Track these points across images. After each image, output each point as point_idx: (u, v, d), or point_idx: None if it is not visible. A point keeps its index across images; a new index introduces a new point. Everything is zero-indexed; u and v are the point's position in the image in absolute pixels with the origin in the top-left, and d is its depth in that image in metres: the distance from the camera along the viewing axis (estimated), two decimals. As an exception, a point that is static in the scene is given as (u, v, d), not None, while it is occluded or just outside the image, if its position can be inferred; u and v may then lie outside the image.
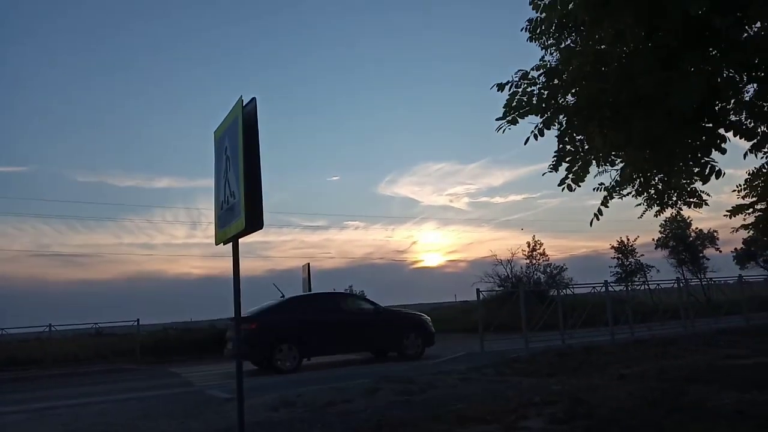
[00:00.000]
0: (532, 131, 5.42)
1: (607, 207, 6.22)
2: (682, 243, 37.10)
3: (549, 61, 6.03)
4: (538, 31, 6.03)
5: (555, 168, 5.95)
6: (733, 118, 5.35)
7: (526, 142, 5.47)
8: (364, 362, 15.83)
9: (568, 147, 5.81)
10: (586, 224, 6.16)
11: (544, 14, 5.74)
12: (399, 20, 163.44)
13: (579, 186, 5.96)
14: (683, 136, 5.34)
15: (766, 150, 6.52)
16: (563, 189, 5.92)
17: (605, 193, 6.22)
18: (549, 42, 6.14)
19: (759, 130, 5.37)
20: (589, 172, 5.99)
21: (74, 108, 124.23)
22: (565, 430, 5.83)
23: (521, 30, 6.16)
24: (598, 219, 6.16)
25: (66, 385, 14.27)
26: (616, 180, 6.22)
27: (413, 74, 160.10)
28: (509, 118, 5.30)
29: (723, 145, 5.44)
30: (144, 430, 7.67)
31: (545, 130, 5.41)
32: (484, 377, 10.47)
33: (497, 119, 5.41)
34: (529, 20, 6.03)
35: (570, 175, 5.85)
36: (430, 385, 9.60)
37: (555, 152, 5.88)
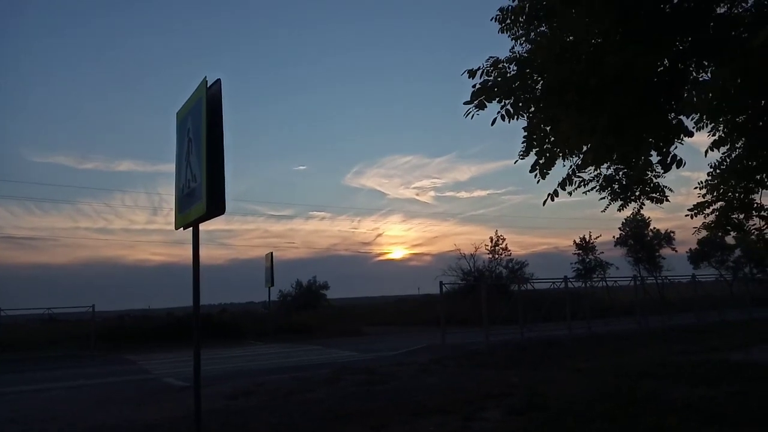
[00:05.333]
0: (499, 111, 5.40)
1: (564, 190, 6.21)
2: (640, 242, 38.17)
3: (519, 51, 6.04)
4: (508, 21, 6.03)
5: (525, 154, 5.95)
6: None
7: (493, 123, 5.46)
8: (327, 348, 15.80)
9: (538, 132, 5.82)
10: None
11: (515, 2, 5.74)
12: (370, 11, 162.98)
13: (548, 173, 5.94)
14: (648, 122, 5.42)
15: (727, 147, 6.71)
16: (536, 176, 5.88)
17: (547, 162, 6.14)
18: (519, 33, 6.14)
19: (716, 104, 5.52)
20: (558, 158, 5.99)
21: (30, 86, 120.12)
22: (522, 421, 5.91)
23: (491, 20, 6.15)
24: (552, 200, 6.16)
25: (16, 371, 13.82)
26: (577, 164, 6.23)
27: (383, 66, 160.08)
28: (476, 102, 5.26)
29: (685, 137, 5.59)
30: (96, 417, 7.46)
31: (512, 112, 5.39)
32: (444, 369, 10.56)
33: (465, 103, 5.36)
34: (500, 9, 6.03)
35: (540, 161, 5.85)
36: (391, 375, 9.63)
37: (524, 137, 5.88)
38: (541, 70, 5.29)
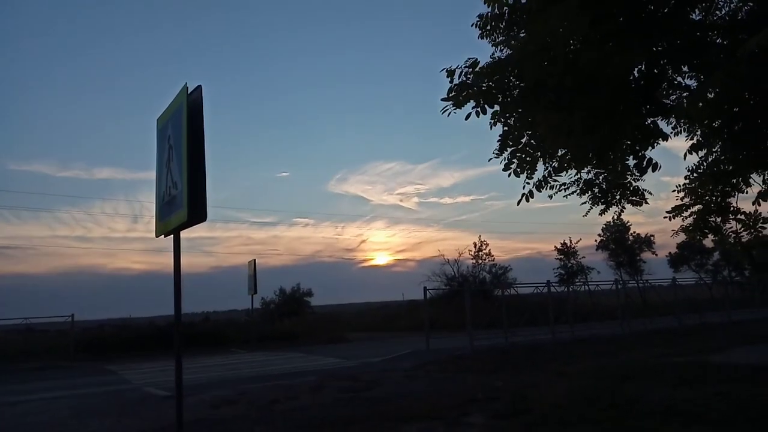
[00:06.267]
0: (474, 107, 5.38)
1: (540, 191, 6.25)
2: (621, 246, 38.57)
3: (499, 57, 6.07)
4: (488, 28, 6.07)
5: (500, 152, 5.97)
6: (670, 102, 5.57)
7: (467, 118, 5.44)
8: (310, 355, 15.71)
9: (514, 132, 5.84)
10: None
11: (495, 9, 5.79)
12: (352, 16, 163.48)
13: (525, 173, 5.97)
14: (623, 124, 5.48)
15: (704, 151, 6.83)
16: (509, 174, 5.89)
17: (529, 166, 6.16)
18: (499, 39, 6.19)
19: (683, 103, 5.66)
20: (534, 158, 6.02)
21: (8, 93, 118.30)
22: (506, 425, 5.92)
23: (471, 26, 6.18)
24: (527, 200, 6.22)
25: (-8, 384, 13.51)
26: (553, 166, 6.27)
27: (365, 72, 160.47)
28: (452, 96, 5.21)
29: (661, 140, 5.68)
30: (76, 429, 7.32)
31: (487, 109, 5.38)
32: (428, 374, 10.55)
33: (442, 99, 5.36)
34: (480, 16, 6.07)
35: (515, 160, 5.87)
36: (376, 382, 9.59)
37: (500, 136, 5.89)
38: (518, 70, 5.31)
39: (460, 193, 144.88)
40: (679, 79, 5.76)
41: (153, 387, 11.04)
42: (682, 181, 8.03)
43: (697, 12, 5.68)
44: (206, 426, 6.79)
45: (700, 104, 4.89)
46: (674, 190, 8.18)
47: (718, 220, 8.29)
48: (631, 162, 6.17)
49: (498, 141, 5.95)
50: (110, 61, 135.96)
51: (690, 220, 8.28)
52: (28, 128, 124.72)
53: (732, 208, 8.11)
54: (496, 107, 5.52)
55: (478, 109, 5.32)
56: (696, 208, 8.08)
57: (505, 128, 5.86)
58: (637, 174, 6.58)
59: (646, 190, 7.11)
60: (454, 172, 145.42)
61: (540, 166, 6.27)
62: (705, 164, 7.35)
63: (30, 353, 19.01)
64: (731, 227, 8.46)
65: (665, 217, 8.27)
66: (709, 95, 5.18)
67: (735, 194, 7.82)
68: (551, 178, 6.36)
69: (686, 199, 8.08)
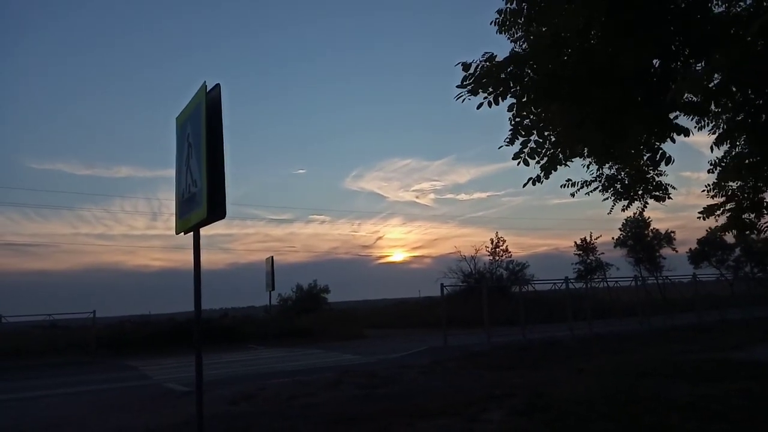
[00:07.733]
0: (486, 97, 5.32)
1: (548, 179, 6.19)
2: (640, 242, 38.17)
3: (519, 52, 6.03)
4: (506, 23, 6.04)
5: (511, 141, 5.91)
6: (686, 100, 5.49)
7: (479, 107, 5.40)
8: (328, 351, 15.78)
9: (526, 121, 5.78)
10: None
11: (513, 4, 5.75)
12: (370, 13, 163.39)
13: (535, 162, 5.91)
14: (635, 118, 5.41)
15: (728, 145, 6.74)
16: (519, 163, 5.83)
17: (548, 164, 6.10)
18: (518, 34, 6.16)
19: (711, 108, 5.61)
20: (545, 148, 5.95)
21: (30, 93, 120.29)
22: (525, 422, 5.90)
23: (490, 23, 6.15)
24: (534, 184, 6.20)
25: (17, 379, 13.78)
26: (565, 156, 6.17)
27: (381, 69, 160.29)
28: (467, 84, 5.16)
29: (677, 135, 5.60)
30: (97, 423, 7.44)
31: (500, 100, 5.34)
32: (446, 371, 10.54)
33: (457, 86, 5.32)
34: (498, 11, 6.04)
35: (525, 150, 5.80)
36: (393, 378, 9.62)
37: (511, 125, 5.84)
38: (532, 61, 5.27)
39: (476, 190, 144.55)
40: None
41: (173, 383, 11.18)
42: (703, 176, 7.98)
43: (719, 4, 5.59)
44: (225, 421, 6.87)
45: (704, 89, 4.82)
46: (704, 190, 8.14)
47: (752, 216, 8.22)
48: (645, 155, 6.11)
49: (510, 130, 5.89)
50: (130, 60, 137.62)
51: (723, 218, 8.22)
52: (49, 128, 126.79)
53: (766, 203, 8.04)
54: (512, 100, 5.48)
55: (491, 99, 5.26)
56: (729, 206, 8.01)
57: (518, 118, 5.80)
58: (650, 167, 6.52)
59: (669, 185, 7.05)
60: (470, 168, 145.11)
61: (551, 155, 6.18)
62: (729, 158, 7.26)
63: (53, 349, 19.36)
64: (766, 222, 8.36)
65: (698, 217, 8.23)
66: (714, 81, 5.09)
67: (767, 189, 7.78)
68: (560, 163, 6.27)
69: (717, 198, 8.02)
